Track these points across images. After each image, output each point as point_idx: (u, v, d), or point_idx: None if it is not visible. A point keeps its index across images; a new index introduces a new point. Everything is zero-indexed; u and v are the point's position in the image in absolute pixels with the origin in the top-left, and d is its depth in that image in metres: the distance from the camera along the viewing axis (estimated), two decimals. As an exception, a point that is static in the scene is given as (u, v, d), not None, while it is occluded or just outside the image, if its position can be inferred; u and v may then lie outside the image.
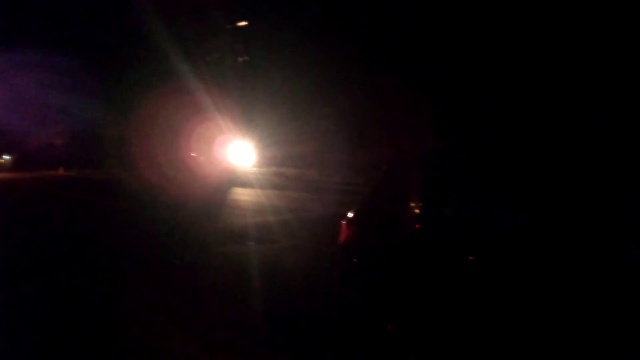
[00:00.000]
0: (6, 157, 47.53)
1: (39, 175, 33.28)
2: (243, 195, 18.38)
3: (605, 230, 2.30)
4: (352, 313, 3.88)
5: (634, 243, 2.16)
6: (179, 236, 9.03)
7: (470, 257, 2.78)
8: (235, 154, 34.31)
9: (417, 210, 3.27)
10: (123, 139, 43.61)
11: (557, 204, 2.56)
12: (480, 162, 3.16)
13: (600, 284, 2.24)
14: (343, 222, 3.83)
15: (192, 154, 40.12)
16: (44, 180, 28.09)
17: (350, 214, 3.84)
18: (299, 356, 3.65)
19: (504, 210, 2.79)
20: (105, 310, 4.69)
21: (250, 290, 5.35)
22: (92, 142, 44.64)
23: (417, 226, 3.18)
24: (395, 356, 3.18)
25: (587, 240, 2.33)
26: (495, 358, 2.64)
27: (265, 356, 3.64)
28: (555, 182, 2.66)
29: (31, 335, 4.03)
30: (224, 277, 5.96)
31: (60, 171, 37.44)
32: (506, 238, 2.68)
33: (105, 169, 38.40)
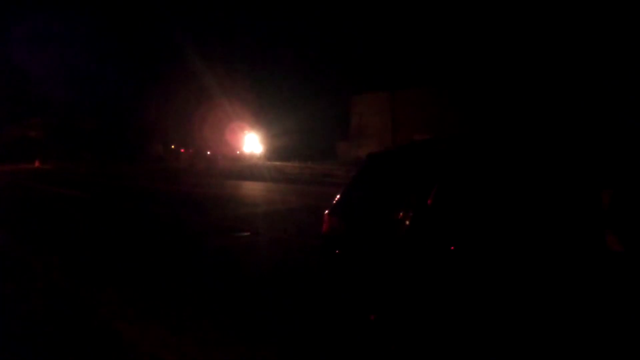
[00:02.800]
0: (-22, 150, 46.23)
1: (14, 169, 32.40)
2: (246, 188, 18.18)
3: (583, 220, 2.34)
4: (334, 304, 3.89)
5: (611, 234, 2.20)
6: (167, 230, 8.95)
7: (451, 247, 2.81)
8: (243, 145, 34.14)
9: (399, 201, 3.28)
10: (103, 131, 42.75)
11: (536, 193, 2.60)
12: (461, 152, 3.18)
13: (578, 274, 2.28)
14: (326, 212, 3.83)
15: (180, 149, 39.67)
16: (20, 174, 27.43)
17: (332, 205, 3.84)
18: (279, 347, 3.65)
19: (485, 200, 2.81)
20: (88, 305, 4.62)
21: (230, 283, 5.33)
22: (69, 134, 43.67)
23: (399, 216, 3.20)
24: (378, 346, 3.20)
25: (567, 230, 2.37)
26: (476, 347, 2.68)
27: (243, 348, 3.63)
28: (534, 171, 2.70)
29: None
30: (208, 268, 5.92)
31: (36, 164, 36.52)
32: (487, 227, 2.71)
33: (83, 161, 37.59)
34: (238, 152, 35.49)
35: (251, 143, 34.20)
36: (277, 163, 29.48)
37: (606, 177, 2.37)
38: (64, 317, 4.27)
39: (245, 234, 8.27)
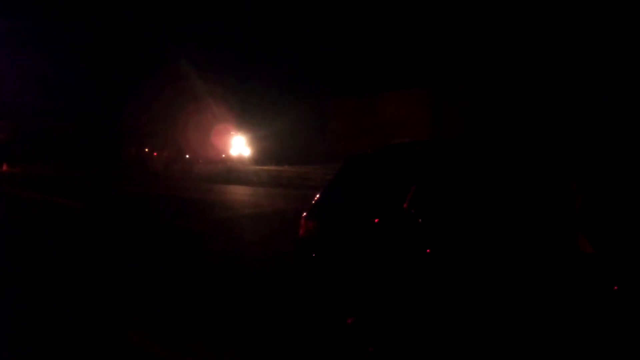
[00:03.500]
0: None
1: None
2: (222, 192, 17.83)
3: (556, 223, 2.38)
4: (311, 307, 3.87)
5: (583, 236, 2.24)
6: (135, 234, 8.76)
7: (427, 250, 2.82)
8: (230, 148, 33.62)
9: (376, 204, 3.28)
10: (75, 133, 41.61)
11: (510, 196, 2.63)
12: (437, 155, 3.21)
13: (550, 276, 2.31)
14: (302, 216, 3.81)
15: (154, 152, 38.86)
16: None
17: (309, 208, 3.82)
18: (256, 353, 3.60)
19: (460, 204, 2.84)
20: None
21: (205, 286, 5.25)
22: (40, 137, 42.42)
23: (375, 220, 3.20)
24: (356, 349, 3.19)
25: (540, 233, 2.41)
26: (453, 348, 2.69)
27: (218, 354, 3.57)
28: (509, 175, 2.74)
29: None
30: (183, 273, 5.82)
31: (4, 167, 35.32)
32: (462, 230, 2.73)
33: (53, 164, 36.49)
34: (224, 155, 34.87)
35: (237, 146, 33.73)
36: (255, 167, 29.26)
37: (578, 180, 2.42)
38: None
39: (221, 237, 8.18)
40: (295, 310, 4.25)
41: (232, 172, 26.55)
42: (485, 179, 2.83)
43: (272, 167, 27.91)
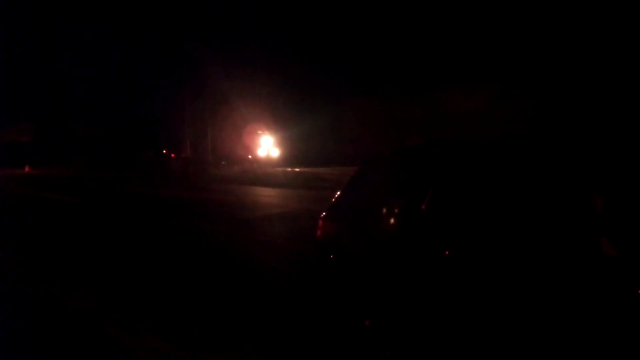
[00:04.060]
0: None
1: (4, 174, 32.06)
2: (238, 193, 17.99)
3: (578, 225, 2.35)
4: (328, 309, 3.88)
5: (605, 240, 2.21)
6: (149, 233, 8.90)
7: (446, 252, 2.81)
8: (257, 149, 33.78)
9: (394, 206, 3.28)
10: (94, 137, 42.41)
11: (530, 198, 2.61)
12: (455, 156, 3.19)
13: (572, 278, 2.29)
14: (320, 217, 3.82)
15: (171, 154, 39.36)
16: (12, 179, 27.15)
17: (327, 209, 3.83)
18: (272, 354, 3.62)
19: (479, 205, 2.82)
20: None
21: (222, 286, 5.30)
22: (61, 139, 43.35)
23: (393, 221, 3.20)
24: (373, 351, 3.19)
25: (561, 235, 2.38)
26: (472, 352, 2.68)
27: (231, 355, 3.61)
28: (529, 176, 2.71)
29: None
30: (199, 272, 5.88)
31: (27, 169, 36.14)
32: (482, 232, 2.71)
33: (74, 166, 37.21)
34: (250, 157, 35.00)
35: (265, 147, 33.75)
36: (273, 169, 29.42)
37: (599, 182, 2.39)
38: (57, 326, 4.22)
39: (238, 237, 8.24)
40: (312, 311, 4.26)
41: (248, 173, 26.71)
42: (506, 179, 2.80)
43: (289, 169, 28.01)
